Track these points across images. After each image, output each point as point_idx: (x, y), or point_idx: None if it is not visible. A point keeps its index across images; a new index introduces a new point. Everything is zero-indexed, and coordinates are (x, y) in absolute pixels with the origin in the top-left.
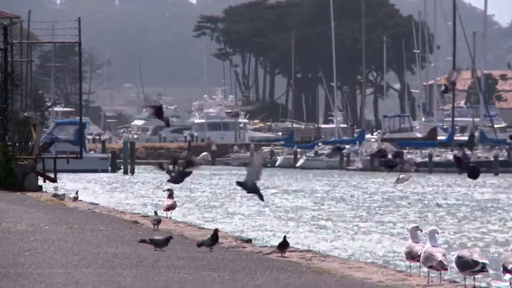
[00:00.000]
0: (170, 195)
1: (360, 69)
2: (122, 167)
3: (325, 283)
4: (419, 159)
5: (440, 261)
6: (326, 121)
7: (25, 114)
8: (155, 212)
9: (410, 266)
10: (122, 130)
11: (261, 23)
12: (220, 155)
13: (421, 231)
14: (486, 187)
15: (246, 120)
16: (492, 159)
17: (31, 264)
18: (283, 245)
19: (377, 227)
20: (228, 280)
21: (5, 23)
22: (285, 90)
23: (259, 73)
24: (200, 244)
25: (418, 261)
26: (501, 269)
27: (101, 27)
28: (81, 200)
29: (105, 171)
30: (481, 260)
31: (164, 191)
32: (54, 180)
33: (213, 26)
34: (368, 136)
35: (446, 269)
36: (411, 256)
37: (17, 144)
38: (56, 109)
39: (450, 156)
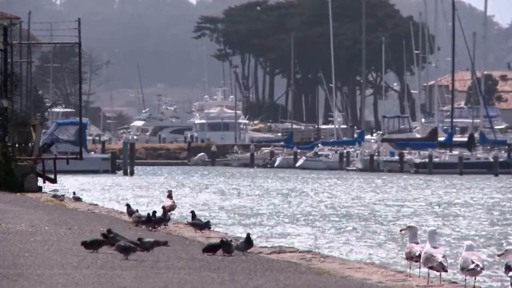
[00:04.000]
0: (170, 196)
1: (360, 69)
2: (122, 167)
3: (325, 283)
4: (418, 160)
5: (440, 262)
6: (326, 122)
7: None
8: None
9: (410, 267)
10: (121, 131)
11: (260, 24)
12: (220, 155)
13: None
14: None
15: (246, 121)
16: (492, 160)
17: (31, 265)
18: (249, 244)
19: (376, 227)
20: (227, 281)
21: (5, 24)
22: (285, 91)
23: (259, 73)
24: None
25: (417, 261)
26: (504, 269)
27: (100, 28)
28: (81, 200)
29: (106, 171)
30: (476, 262)
31: (166, 192)
32: (54, 181)
33: (213, 27)
34: (367, 137)
35: (446, 271)
36: (410, 256)
37: (16, 145)
38: (56, 110)
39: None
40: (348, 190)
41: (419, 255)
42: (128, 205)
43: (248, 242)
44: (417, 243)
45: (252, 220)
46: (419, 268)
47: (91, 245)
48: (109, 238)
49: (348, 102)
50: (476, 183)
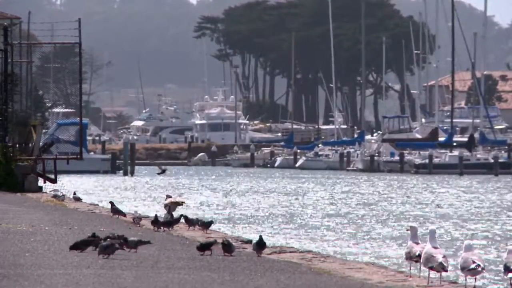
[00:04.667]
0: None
1: (360, 70)
2: (122, 168)
3: (325, 284)
4: (418, 160)
5: (441, 263)
6: (326, 122)
7: None
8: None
9: (410, 267)
10: (122, 131)
11: (261, 24)
12: (220, 155)
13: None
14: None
15: (246, 121)
16: (492, 160)
17: (32, 265)
18: (261, 245)
19: (377, 227)
20: (228, 281)
21: (5, 23)
22: (285, 91)
23: (259, 74)
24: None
25: (417, 261)
26: (503, 269)
27: (101, 28)
28: (81, 200)
29: (106, 172)
30: (477, 262)
31: (167, 195)
32: (54, 181)
33: (213, 27)
34: (368, 137)
35: (446, 271)
36: (410, 256)
37: (17, 145)
38: (56, 110)
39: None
40: (349, 189)
41: (419, 255)
42: (112, 203)
43: (259, 244)
44: (417, 243)
45: (252, 219)
46: (419, 268)
47: (80, 245)
48: (95, 240)
49: (348, 102)
50: (476, 183)
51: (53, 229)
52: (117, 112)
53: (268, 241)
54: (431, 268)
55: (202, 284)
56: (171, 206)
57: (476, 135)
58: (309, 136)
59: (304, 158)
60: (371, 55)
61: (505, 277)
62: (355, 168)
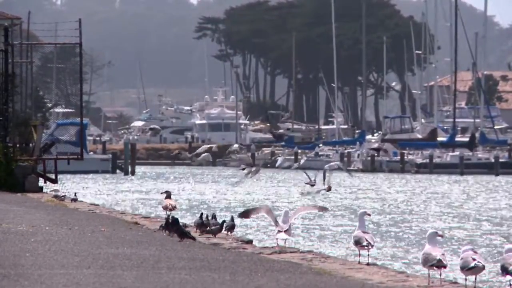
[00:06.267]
0: (168, 197)
1: (361, 70)
2: (123, 167)
3: (326, 284)
4: (419, 160)
5: (439, 259)
6: (327, 122)
7: None
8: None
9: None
10: (122, 131)
11: (262, 24)
12: (220, 156)
13: (442, 236)
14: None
15: (247, 121)
16: (492, 160)
17: (32, 265)
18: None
19: (377, 227)
20: (228, 281)
21: (6, 24)
22: (285, 91)
23: (260, 74)
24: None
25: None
26: (501, 271)
27: (101, 28)
28: (81, 201)
29: (106, 172)
30: (478, 260)
31: (162, 193)
32: (54, 181)
33: (214, 27)
34: (368, 137)
35: (445, 267)
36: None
37: (17, 145)
38: (57, 110)
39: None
40: (349, 189)
41: (367, 244)
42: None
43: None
44: (364, 232)
45: (253, 218)
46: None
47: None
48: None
49: (349, 102)
50: (478, 183)
51: (53, 229)
52: (118, 112)
53: (269, 241)
54: (431, 266)
55: (202, 284)
56: (168, 208)
57: (477, 135)
58: (310, 136)
59: (304, 158)
60: (372, 55)
61: (503, 278)
62: (355, 168)
